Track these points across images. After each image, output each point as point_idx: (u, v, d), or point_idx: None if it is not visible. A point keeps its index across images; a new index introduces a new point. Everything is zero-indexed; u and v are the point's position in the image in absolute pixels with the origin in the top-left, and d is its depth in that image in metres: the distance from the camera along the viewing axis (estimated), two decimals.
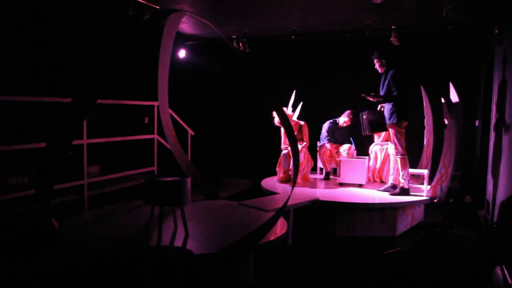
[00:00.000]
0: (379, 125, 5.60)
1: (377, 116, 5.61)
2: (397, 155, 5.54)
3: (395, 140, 5.51)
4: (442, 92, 5.90)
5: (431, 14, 5.92)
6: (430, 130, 6.63)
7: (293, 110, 7.11)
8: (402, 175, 5.52)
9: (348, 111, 6.70)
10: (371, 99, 5.57)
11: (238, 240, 3.39)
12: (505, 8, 5.29)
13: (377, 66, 5.63)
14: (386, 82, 5.48)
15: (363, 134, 5.79)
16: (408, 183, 5.52)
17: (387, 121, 5.52)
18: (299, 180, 6.25)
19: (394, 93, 5.38)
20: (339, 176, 6.92)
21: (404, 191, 5.49)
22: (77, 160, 5.14)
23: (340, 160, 6.35)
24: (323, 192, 5.76)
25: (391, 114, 5.45)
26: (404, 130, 5.53)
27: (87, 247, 3.43)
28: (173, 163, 5.33)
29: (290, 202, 4.42)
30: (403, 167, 5.50)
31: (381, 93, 5.57)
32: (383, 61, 5.54)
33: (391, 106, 5.45)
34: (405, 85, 5.46)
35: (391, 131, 5.54)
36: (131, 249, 3.36)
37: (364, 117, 5.65)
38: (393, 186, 5.67)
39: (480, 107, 6.81)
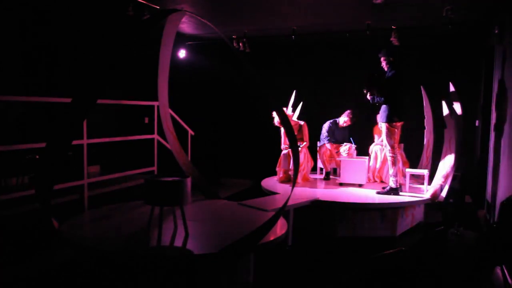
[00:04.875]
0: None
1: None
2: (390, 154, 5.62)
3: (385, 139, 5.56)
4: (442, 92, 5.90)
5: (431, 14, 5.92)
6: (430, 130, 6.63)
7: (293, 110, 7.11)
8: (391, 174, 5.55)
9: (348, 111, 6.70)
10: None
11: (238, 240, 3.38)
12: (505, 8, 5.29)
13: (383, 64, 5.65)
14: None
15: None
16: (397, 182, 5.52)
17: (380, 119, 5.58)
18: (299, 180, 6.25)
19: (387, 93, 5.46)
20: (339, 176, 6.93)
21: (393, 191, 5.50)
22: (77, 160, 5.14)
23: (340, 160, 6.34)
24: (323, 192, 5.76)
25: (383, 113, 5.50)
26: (396, 130, 5.56)
27: (87, 247, 3.43)
28: (173, 163, 5.33)
29: (290, 202, 4.43)
30: (392, 166, 5.54)
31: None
32: (391, 59, 5.57)
33: (385, 105, 5.50)
34: (404, 86, 5.49)
35: (383, 129, 5.57)
36: (131, 249, 3.36)
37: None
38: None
39: (480, 107, 6.81)
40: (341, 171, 6.25)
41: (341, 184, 6.19)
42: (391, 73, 5.48)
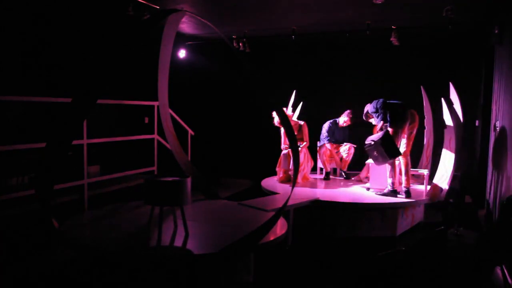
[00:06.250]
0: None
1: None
2: None
3: None
4: (442, 92, 5.90)
5: (431, 14, 5.92)
6: (430, 130, 6.63)
7: (293, 110, 7.12)
8: (388, 176, 5.50)
9: (348, 111, 6.71)
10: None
11: (238, 240, 3.39)
12: (505, 8, 5.29)
13: (375, 120, 5.68)
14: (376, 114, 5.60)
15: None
16: (394, 184, 5.44)
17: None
18: (299, 180, 6.24)
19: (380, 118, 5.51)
20: (339, 176, 6.93)
21: (392, 192, 5.42)
22: (77, 160, 5.14)
23: (368, 164, 6.17)
24: (323, 192, 5.76)
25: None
26: (399, 134, 5.49)
27: (87, 247, 3.43)
28: (173, 163, 5.33)
29: (290, 202, 4.42)
30: (389, 169, 5.48)
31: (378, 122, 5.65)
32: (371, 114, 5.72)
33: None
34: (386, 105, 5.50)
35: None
36: (131, 249, 3.36)
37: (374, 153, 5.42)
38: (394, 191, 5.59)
39: (480, 107, 6.81)
40: (370, 176, 6.01)
41: (368, 189, 5.89)
42: (369, 111, 5.60)
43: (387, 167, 5.47)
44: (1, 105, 5.09)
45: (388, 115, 5.41)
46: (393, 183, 5.43)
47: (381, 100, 5.50)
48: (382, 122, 5.47)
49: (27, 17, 5.48)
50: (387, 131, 5.33)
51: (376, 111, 5.51)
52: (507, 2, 5.05)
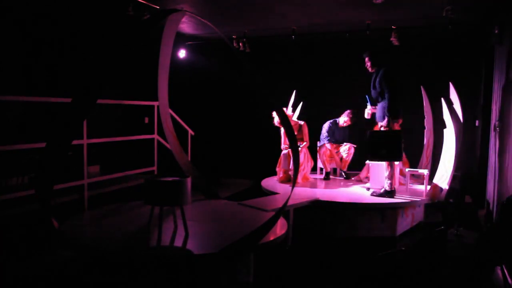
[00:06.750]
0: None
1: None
2: None
3: None
4: (442, 92, 5.90)
5: (431, 14, 5.93)
6: (430, 130, 6.63)
7: (293, 110, 7.12)
8: (386, 176, 5.42)
9: (348, 111, 6.71)
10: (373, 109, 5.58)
11: (238, 240, 3.39)
12: (505, 8, 5.29)
13: (368, 64, 5.50)
14: (378, 80, 5.37)
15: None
16: (391, 185, 5.35)
17: (379, 121, 5.43)
18: (299, 180, 6.24)
19: (386, 94, 5.27)
20: (338, 176, 6.93)
21: (387, 193, 5.35)
22: (77, 160, 5.14)
23: (368, 164, 6.12)
24: (323, 192, 5.76)
25: (381, 113, 5.37)
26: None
27: (87, 247, 3.43)
28: (173, 163, 5.33)
29: (290, 202, 4.42)
30: (387, 169, 5.40)
31: (372, 93, 5.49)
32: (373, 61, 5.44)
33: (383, 105, 5.36)
34: (396, 85, 5.31)
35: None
36: (131, 249, 3.36)
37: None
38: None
39: (480, 107, 6.81)
40: (370, 176, 5.97)
41: (368, 189, 5.86)
42: (382, 72, 5.31)
43: (386, 167, 5.44)
44: (1, 105, 5.09)
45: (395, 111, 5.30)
46: (391, 184, 5.40)
47: (389, 95, 5.29)
48: (385, 121, 5.35)
49: (27, 17, 5.48)
50: (400, 130, 5.26)
51: (385, 79, 5.32)
52: (507, 2, 5.05)
